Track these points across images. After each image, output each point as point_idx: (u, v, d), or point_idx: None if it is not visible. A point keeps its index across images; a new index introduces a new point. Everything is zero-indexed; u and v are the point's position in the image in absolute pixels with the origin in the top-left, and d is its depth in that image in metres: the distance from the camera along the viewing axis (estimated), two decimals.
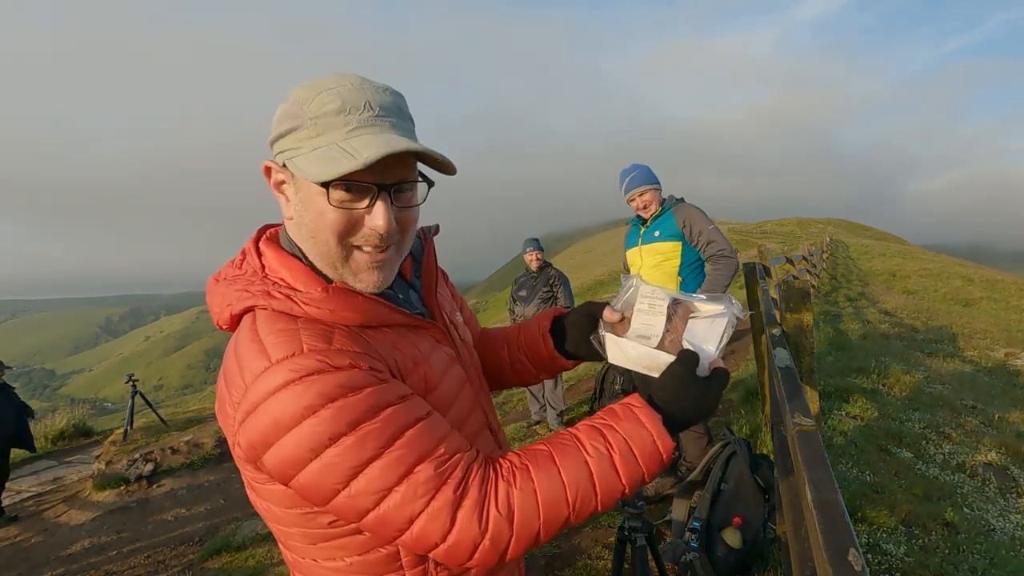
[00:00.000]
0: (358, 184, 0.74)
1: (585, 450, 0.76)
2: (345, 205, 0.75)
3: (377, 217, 0.76)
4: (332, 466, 0.68)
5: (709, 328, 0.74)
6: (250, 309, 0.77)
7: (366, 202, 0.76)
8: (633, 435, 0.76)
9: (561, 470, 0.75)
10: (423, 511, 0.70)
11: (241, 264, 0.85)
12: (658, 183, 3.20)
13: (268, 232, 0.88)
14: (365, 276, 0.80)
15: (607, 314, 0.89)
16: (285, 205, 0.81)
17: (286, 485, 0.72)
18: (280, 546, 0.89)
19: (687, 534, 2.41)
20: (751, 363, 5.93)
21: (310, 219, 0.77)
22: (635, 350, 0.78)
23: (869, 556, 2.57)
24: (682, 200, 3.21)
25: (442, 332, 0.92)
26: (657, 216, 3.17)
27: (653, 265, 3.21)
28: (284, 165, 0.77)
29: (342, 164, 0.71)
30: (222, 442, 6.87)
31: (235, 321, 0.79)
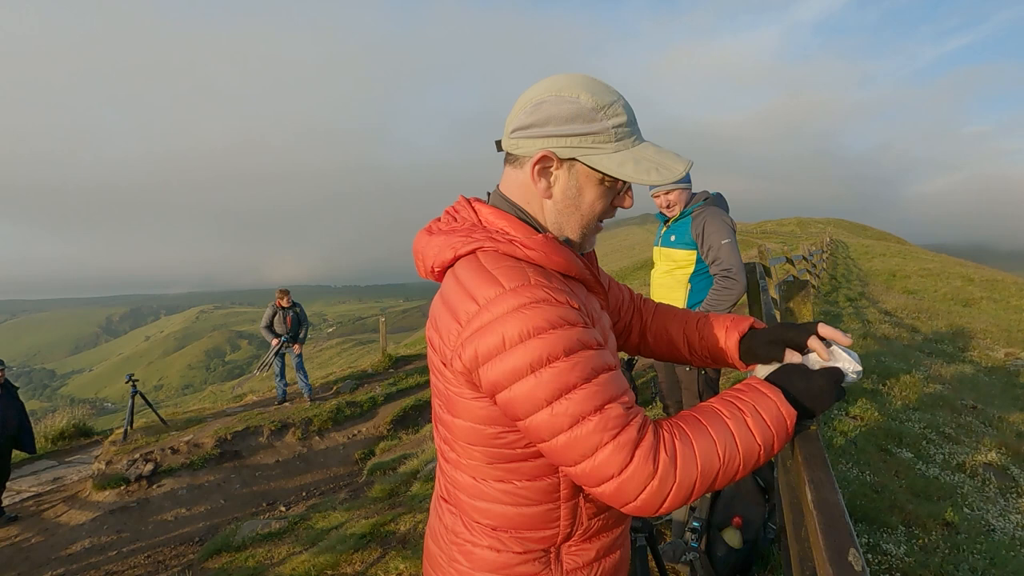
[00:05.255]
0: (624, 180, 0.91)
1: (723, 414, 0.86)
2: (614, 193, 0.94)
3: (629, 201, 0.97)
4: (544, 383, 0.78)
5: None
6: (473, 252, 0.89)
7: (619, 191, 0.95)
8: (760, 402, 0.87)
9: (709, 427, 0.84)
10: (610, 442, 0.79)
11: (455, 219, 0.97)
12: (687, 181, 2.93)
13: (472, 199, 1.01)
14: (591, 241, 1.00)
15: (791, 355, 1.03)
16: (545, 186, 0.92)
17: (494, 397, 0.83)
18: (448, 468, 1.00)
19: (687, 534, 2.41)
20: None
21: (586, 201, 0.92)
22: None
23: (869, 556, 2.57)
24: (710, 199, 2.94)
25: (605, 299, 1.07)
26: (677, 219, 2.97)
27: (665, 271, 3.06)
28: (572, 159, 0.89)
29: (657, 175, 0.88)
30: (222, 442, 6.88)
31: (447, 266, 0.92)
